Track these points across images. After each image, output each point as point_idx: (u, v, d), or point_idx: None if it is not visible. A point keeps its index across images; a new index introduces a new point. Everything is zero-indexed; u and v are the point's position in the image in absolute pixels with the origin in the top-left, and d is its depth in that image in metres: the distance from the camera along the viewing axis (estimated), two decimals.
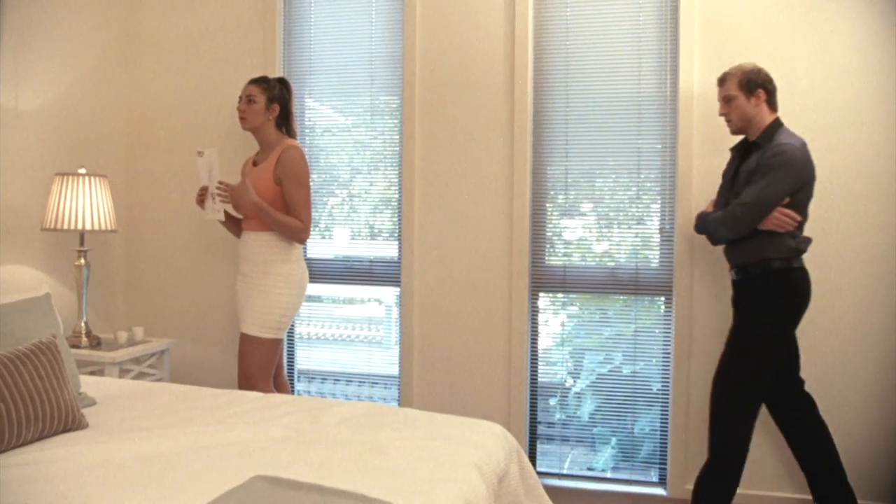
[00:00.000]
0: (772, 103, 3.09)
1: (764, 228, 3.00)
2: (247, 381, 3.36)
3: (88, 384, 2.91)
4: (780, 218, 2.96)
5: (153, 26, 4.25)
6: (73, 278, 3.71)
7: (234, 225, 3.63)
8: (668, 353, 3.64)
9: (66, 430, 2.34)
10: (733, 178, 3.16)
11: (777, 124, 3.06)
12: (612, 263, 3.71)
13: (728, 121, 3.14)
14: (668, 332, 3.64)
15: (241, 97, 3.48)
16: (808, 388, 3.25)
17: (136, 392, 2.87)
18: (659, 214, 3.66)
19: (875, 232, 3.39)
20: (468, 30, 3.80)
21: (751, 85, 3.05)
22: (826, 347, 3.46)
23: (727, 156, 3.31)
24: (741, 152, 3.18)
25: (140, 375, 3.71)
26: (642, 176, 3.68)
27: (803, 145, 2.99)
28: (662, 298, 3.68)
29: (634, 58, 3.63)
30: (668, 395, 3.64)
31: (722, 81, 3.13)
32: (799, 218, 2.99)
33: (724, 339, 3.26)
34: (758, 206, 2.96)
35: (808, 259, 3.13)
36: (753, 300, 3.08)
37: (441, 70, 3.84)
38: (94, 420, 2.46)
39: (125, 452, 2.14)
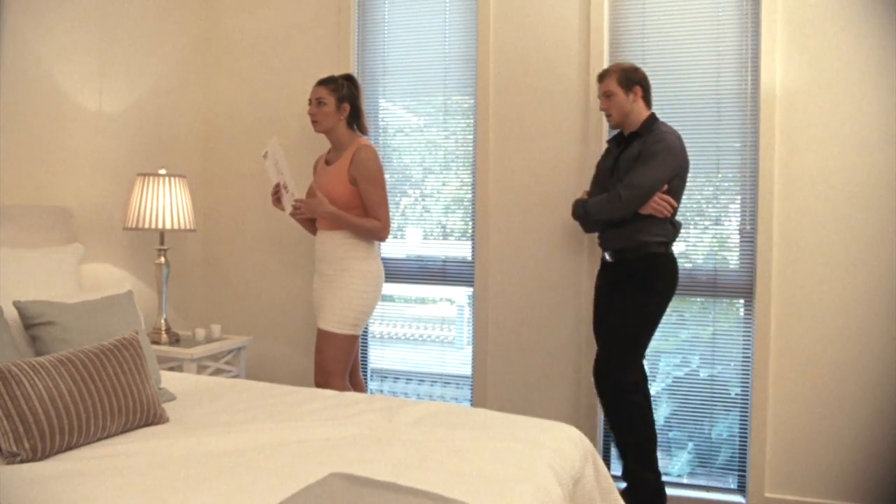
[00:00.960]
0: (647, 99, 3.26)
1: (644, 213, 3.14)
2: (323, 376, 3.38)
3: (168, 379, 2.97)
4: (660, 203, 3.12)
5: (229, 28, 4.34)
6: (154, 276, 3.80)
7: (309, 223, 3.66)
8: (748, 357, 3.53)
9: (147, 424, 2.39)
10: (613, 168, 3.27)
11: (654, 117, 3.25)
12: (689, 265, 3.62)
13: (608, 116, 3.31)
14: (748, 336, 3.53)
15: (310, 100, 3.48)
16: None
17: (214, 388, 2.92)
18: (738, 214, 3.56)
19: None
20: (542, 28, 3.76)
21: (629, 82, 3.22)
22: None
23: (812, 153, 3.32)
24: (619, 144, 3.31)
25: (217, 372, 3.79)
26: (720, 175, 3.59)
27: (679, 137, 3.17)
28: (742, 301, 3.58)
29: (713, 55, 3.54)
30: (747, 399, 3.54)
31: (602, 78, 3.29)
32: (676, 204, 3.17)
33: (806, 342, 3.22)
34: (641, 189, 3.11)
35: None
36: (634, 283, 3.22)
37: (515, 69, 3.81)
38: (174, 415, 2.51)
39: (204, 447, 2.17)
